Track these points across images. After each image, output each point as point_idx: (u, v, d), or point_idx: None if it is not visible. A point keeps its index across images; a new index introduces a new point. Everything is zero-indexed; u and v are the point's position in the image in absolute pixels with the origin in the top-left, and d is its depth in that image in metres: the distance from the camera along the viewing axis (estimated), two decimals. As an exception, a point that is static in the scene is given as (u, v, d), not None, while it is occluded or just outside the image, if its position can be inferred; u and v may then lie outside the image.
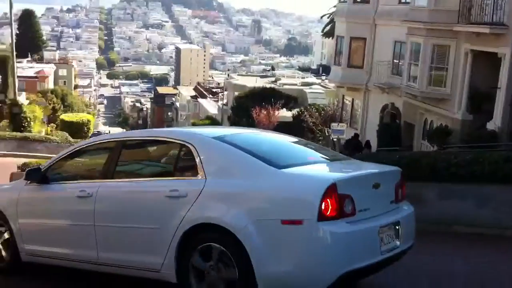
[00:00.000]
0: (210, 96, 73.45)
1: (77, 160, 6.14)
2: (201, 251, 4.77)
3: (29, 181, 6.13)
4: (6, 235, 6.22)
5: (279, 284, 4.47)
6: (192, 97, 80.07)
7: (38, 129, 47.32)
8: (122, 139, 6.03)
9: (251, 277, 4.44)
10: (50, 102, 74.23)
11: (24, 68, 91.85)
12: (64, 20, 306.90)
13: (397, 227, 5.14)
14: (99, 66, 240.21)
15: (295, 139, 6.34)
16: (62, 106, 78.00)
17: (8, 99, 36.06)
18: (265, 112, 38.16)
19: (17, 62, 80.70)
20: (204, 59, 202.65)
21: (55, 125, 51.48)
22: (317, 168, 5.20)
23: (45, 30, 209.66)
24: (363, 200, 4.80)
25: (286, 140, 6.14)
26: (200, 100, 74.07)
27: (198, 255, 4.79)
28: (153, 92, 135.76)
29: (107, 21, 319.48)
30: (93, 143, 6.32)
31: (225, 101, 57.30)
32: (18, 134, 23.88)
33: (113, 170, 5.61)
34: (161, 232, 4.94)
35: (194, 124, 53.05)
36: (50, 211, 5.97)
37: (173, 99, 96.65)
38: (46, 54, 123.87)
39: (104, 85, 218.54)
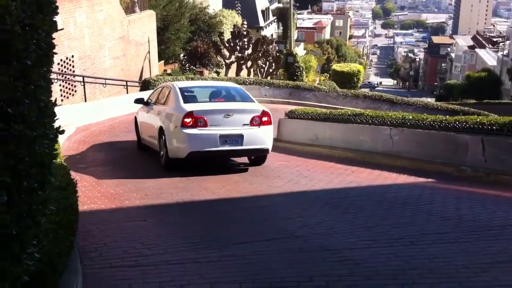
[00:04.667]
0: (490, 46, 67.57)
1: (155, 95, 11.61)
2: (160, 138, 10.10)
3: (141, 105, 12.04)
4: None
5: (172, 152, 9.69)
6: (469, 47, 74.80)
7: (312, 78, 49.96)
8: (161, 86, 11.79)
9: (166, 147, 9.77)
10: (325, 53, 77.68)
11: (304, 19, 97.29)
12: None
13: (242, 136, 9.66)
14: (375, 16, 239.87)
15: (235, 89, 11.10)
16: (336, 57, 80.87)
17: (286, 49, 38.70)
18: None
19: (298, 13, 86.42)
20: (487, 6, 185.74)
21: (328, 75, 53.70)
22: (202, 103, 10.07)
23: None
24: (215, 121, 9.56)
25: (221, 88, 11.24)
26: (477, 50, 68.75)
27: (162, 139, 10.01)
28: (427, 42, 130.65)
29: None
30: (157, 89, 11.98)
31: (505, 51, 52.10)
32: (290, 82, 25.42)
33: (156, 99, 11.28)
34: (156, 130, 10.39)
35: (468, 77, 49.74)
36: (144, 118, 11.59)
37: (448, 49, 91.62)
38: (325, 5, 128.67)
39: (378, 35, 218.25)
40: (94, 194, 8.00)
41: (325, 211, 7.12)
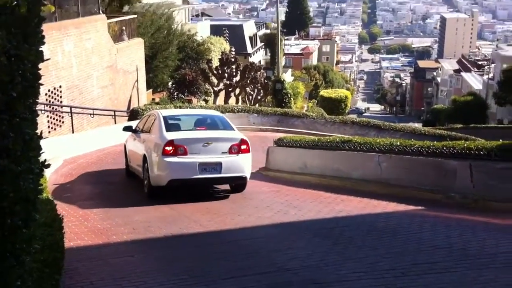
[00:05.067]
0: (475, 69, 68.48)
1: (142, 123, 11.93)
2: (144, 165, 10.47)
3: (130, 132, 12.21)
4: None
5: (153, 180, 9.99)
6: (454, 71, 75.74)
7: (300, 105, 50.11)
8: (148, 114, 12.25)
9: (148, 175, 10.08)
10: (312, 78, 78.18)
11: (291, 45, 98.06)
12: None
13: (220, 164, 9.99)
14: (361, 41, 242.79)
15: (217, 117, 11.58)
16: (323, 82, 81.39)
17: (274, 75, 38.92)
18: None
19: (285, 39, 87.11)
20: (472, 29, 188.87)
21: (316, 101, 53.96)
22: (184, 132, 10.47)
23: (312, 6, 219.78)
24: (195, 149, 9.93)
25: (203, 116, 11.73)
26: (463, 74, 69.60)
27: (145, 167, 10.37)
28: (413, 67, 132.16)
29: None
30: (144, 117, 12.36)
31: (491, 75, 52.79)
32: (279, 109, 25.48)
33: (142, 127, 11.56)
34: (140, 158, 10.77)
35: (454, 101, 50.24)
36: (131, 145, 11.96)
37: (434, 73, 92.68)
38: (312, 31, 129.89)
39: (364, 60, 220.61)
40: (81, 229, 7.89)
41: (315, 243, 7.06)
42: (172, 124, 10.68)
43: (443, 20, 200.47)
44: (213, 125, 11.07)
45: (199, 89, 31.20)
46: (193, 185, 10.35)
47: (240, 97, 34.78)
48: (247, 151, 10.37)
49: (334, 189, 10.94)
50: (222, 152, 10.11)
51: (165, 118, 10.81)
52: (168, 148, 9.79)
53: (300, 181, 12.36)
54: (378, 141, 11.54)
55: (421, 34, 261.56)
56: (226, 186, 11.04)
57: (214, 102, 31.12)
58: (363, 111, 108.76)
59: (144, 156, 10.47)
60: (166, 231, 7.80)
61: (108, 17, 23.81)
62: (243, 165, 10.28)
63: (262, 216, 8.78)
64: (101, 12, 23.17)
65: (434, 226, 7.68)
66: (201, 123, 11.22)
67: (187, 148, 9.86)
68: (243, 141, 10.37)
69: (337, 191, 10.73)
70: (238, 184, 10.72)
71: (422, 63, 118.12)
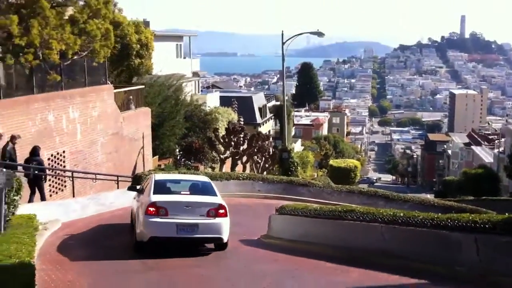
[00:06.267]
0: (485, 143, 68.38)
1: (143, 185, 12.92)
2: (132, 222, 12.41)
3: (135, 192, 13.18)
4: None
5: (138, 235, 11.10)
6: (465, 144, 75.63)
7: (310, 173, 49.90)
8: (148, 177, 13.38)
9: (135, 230, 11.37)
10: (322, 148, 78.40)
11: (302, 116, 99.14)
12: (340, 71, 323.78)
13: (197, 226, 10.89)
14: (371, 114, 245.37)
15: (203, 183, 12.80)
16: (333, 152, 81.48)
17: (282, 145, 38.93)
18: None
19: (295, 111, 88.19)
20: (481, 104, 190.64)
21: (326, 170, 53.72)
22: (168, 195, 11.55)
23: (322, 81, 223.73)
24: (175, 211, 10.96)
25: (191, 182, 12.85)
26: (473, 147, 69.43)
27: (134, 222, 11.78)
28: (424, 139, 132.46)
29: (380, 70, 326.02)
30: (145, 179, 13.87)
31: (501, 148, 52.52)
32: (284, 178, 25.19)
33: (142, 189, 12.54)
34: (133, 212, 12.28)
35: (465, 173, 49.73)
36: (133, 204, 12.99)
37: (445, 146, 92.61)
38: (322, 103, 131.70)
39: (375, 132, 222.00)
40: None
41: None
42: (161, 187, 11.74)
43: (452, 96, 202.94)
44: (197, 190, 12.12)
45: (205, 156, 31.16)
46: (172, 243, 11.18)
47: (247, 165, 34.65)
48: (224, 215, 11.21)
49: (335, 259, 10.51)
50: (200, 215, 11.05)
51: (156, 181, 11.93)
52: (151, 209, 10.85)
53: (301, 249, 11.94)
54: (381, 211, 11.20)
55: (431, 108, 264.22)
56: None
57: (221, 169, 30.99)
58: (375, 181, 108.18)
59: (136, 214, 11.70)
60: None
61: (116, 87, 24.11)
62: (220, 227, 11.09)
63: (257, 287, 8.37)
64: (108, 82, 23.51)
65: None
66: (187, 187, 12.23)
67: (168, 209, 10.88)
68: (221, 206, 11.27)
69: (338, 261, 10.31)
70: (217, 244, 11.49)
71: (432, 136, 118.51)
